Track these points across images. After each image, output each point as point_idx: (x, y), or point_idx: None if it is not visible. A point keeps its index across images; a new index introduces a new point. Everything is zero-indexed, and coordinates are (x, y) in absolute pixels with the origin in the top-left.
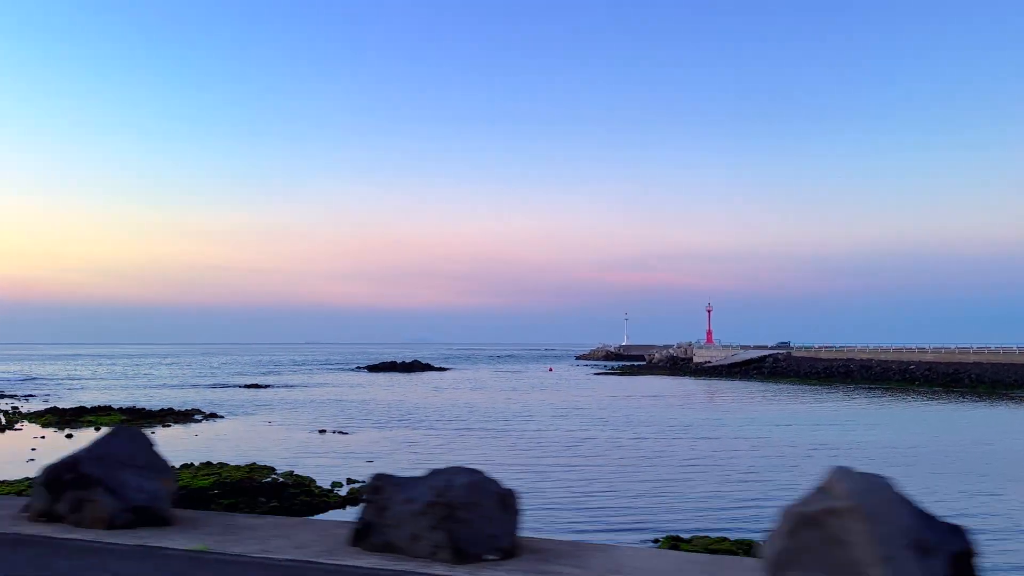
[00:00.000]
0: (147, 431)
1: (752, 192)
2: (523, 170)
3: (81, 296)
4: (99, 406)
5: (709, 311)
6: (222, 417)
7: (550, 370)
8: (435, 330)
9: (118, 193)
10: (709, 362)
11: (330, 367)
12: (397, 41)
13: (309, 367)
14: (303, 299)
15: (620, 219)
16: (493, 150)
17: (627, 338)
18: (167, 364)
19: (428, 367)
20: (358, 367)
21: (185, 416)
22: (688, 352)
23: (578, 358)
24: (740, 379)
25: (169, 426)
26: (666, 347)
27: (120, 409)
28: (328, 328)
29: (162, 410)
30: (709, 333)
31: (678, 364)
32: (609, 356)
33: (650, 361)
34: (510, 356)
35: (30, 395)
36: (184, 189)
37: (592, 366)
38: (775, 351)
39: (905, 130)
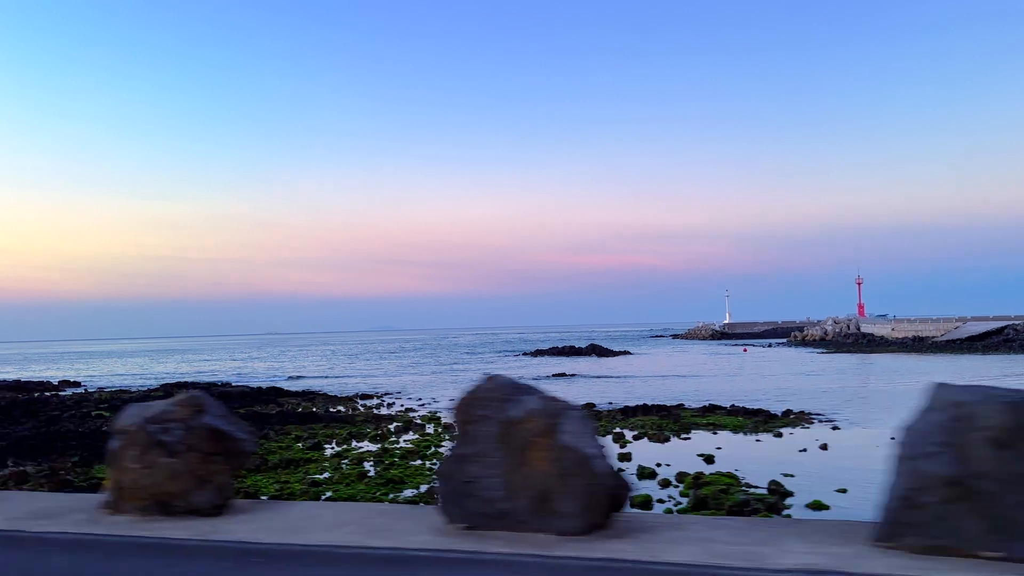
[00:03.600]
0: None
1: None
2: (499, 156)
3: (42, 292)
4: (706, 406)
5: (859, 283)
6: (829, 421)
7: (744, 351)
8: (417, 317)
9: (78, 184)
10: (920, 336)
11: (501, 354)
12: (362, 34)
13: (484, 354)
14: (271, 289)
15: (612, 200)
16: (464, 135)
17: (729, 316)
18: (292, 357)
19: (610, 351)
20: (522, 353)
21: (800, 419)
22: (850, 327)
23: (674, 337)
24: (994, 353)
25: (838, 429)
26: (816, 322)
27: (731, 408)
28: (301, 317)
29: (787, 412)
30: (861, 307)
31: (872, 340)
32: (714, 335)
33: (803, 338)
34: (589, 337)
35: (385, 393)
36: (149, 181)
37: (738, 344)
38: (1013, 322)
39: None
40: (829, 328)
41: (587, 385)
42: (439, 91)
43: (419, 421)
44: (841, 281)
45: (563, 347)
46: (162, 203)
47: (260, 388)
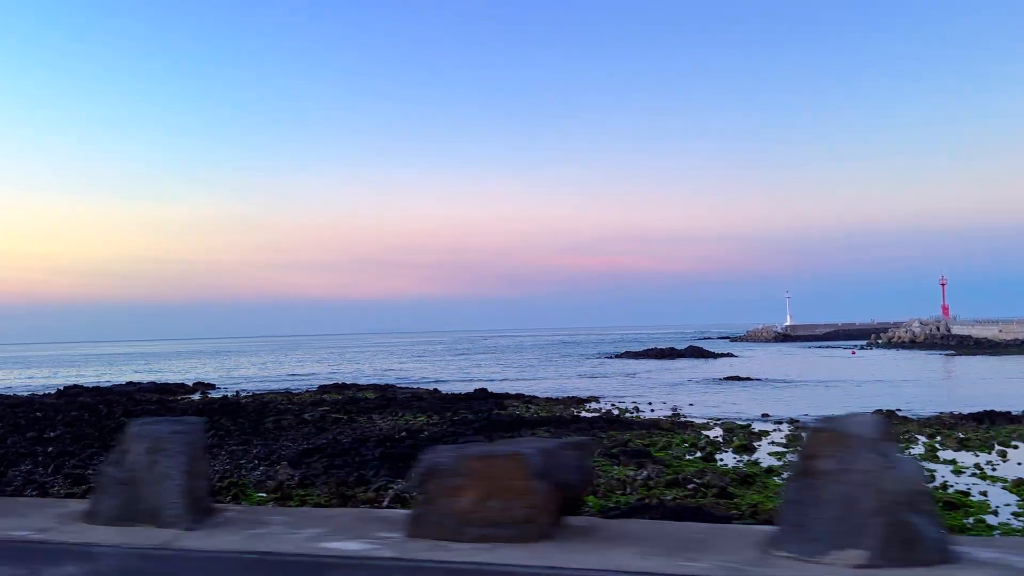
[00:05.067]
0: None
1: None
2: (490, 156)
3: (39, 295)
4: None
5: (943, 283)
6: None
7: (853, 353)
8: (418, 319)
9: (64, 186)
10: None
11: (592, 357)
12: (355, 34)
13: (573, 356)
14: (265, 291)
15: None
16: (457, 135)
17: (790, 318)
18: (351, 359)
19: (712, 354)
20: (614, 355)
21: None
22: (939, 328)
23: (733, 340)
24: None
25: None
26: (896, 324)
27: None
28: (295, 320)
29: None
30: (945, 308)
31: (978, 342)
32: (777, 337)
33: (889, 339)
34: (623, 338)
35: (589, 397)
36: (143, 182)
37: (826, 347)
38: None
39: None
40: (917, 330)
41: (792, 391)
42: (438, 90)
43: (723, 431)
44: (888, 283)
45: (668, 349)
46: (154, 204)
47: (451, 392)
